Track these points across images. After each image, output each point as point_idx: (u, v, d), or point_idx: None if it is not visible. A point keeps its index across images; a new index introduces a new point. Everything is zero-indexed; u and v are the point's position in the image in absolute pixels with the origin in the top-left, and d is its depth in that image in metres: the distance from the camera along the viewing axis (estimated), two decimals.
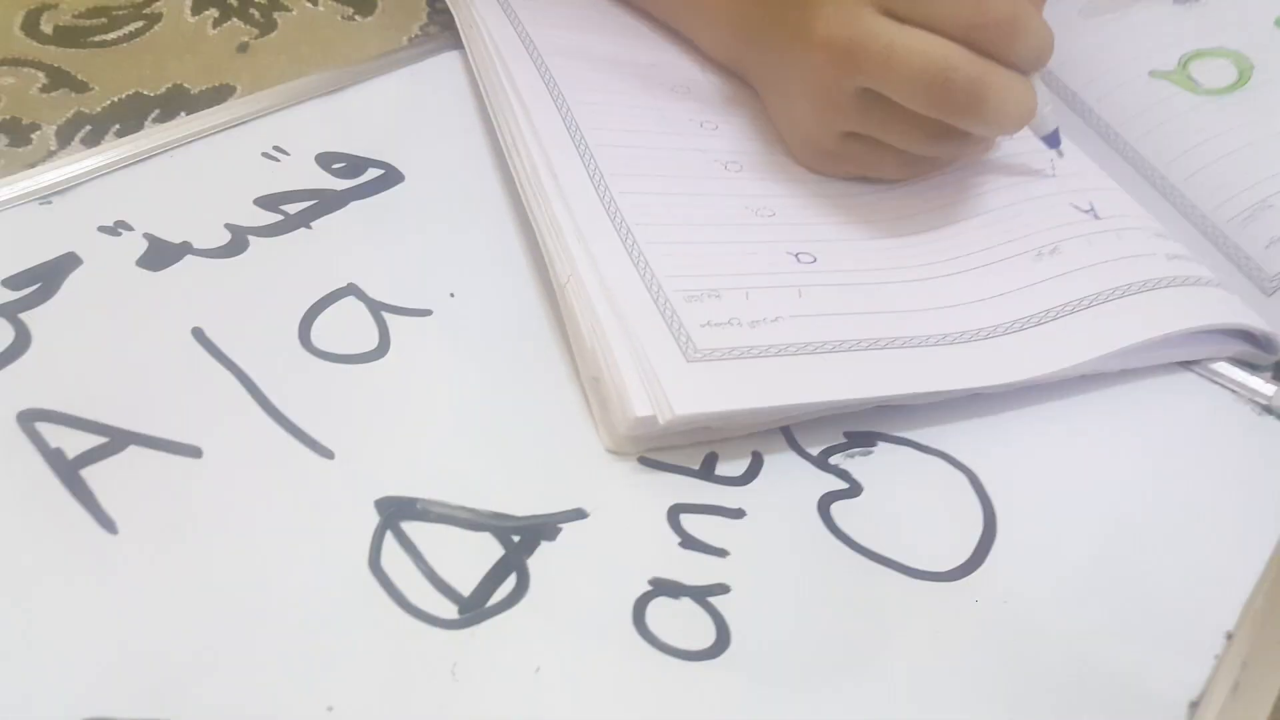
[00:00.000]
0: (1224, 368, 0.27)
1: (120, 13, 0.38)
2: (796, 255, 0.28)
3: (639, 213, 0.27)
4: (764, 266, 0.27)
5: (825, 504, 0.23)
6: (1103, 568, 0.22)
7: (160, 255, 0.27)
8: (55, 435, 0.22)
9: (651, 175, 0.29)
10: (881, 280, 0.27)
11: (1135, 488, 0.24)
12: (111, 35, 0.37)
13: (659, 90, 0.33)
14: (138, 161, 0.30)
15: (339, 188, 0.30)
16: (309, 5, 0.39)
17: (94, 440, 0.22)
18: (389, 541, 0.21)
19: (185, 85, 0.35)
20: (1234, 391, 0.27)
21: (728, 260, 0.27)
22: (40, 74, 0.35)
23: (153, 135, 0.31)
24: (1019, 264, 0.28)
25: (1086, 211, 0.29)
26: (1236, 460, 0.25)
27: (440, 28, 0.39)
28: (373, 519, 0.22)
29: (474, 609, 0.20)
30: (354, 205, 0.29)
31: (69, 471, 0.22)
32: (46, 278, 0.25)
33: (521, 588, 0.21)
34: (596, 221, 0.27)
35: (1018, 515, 0.23)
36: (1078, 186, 0.30)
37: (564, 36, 0.35)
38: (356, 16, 0.39)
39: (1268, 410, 0.27)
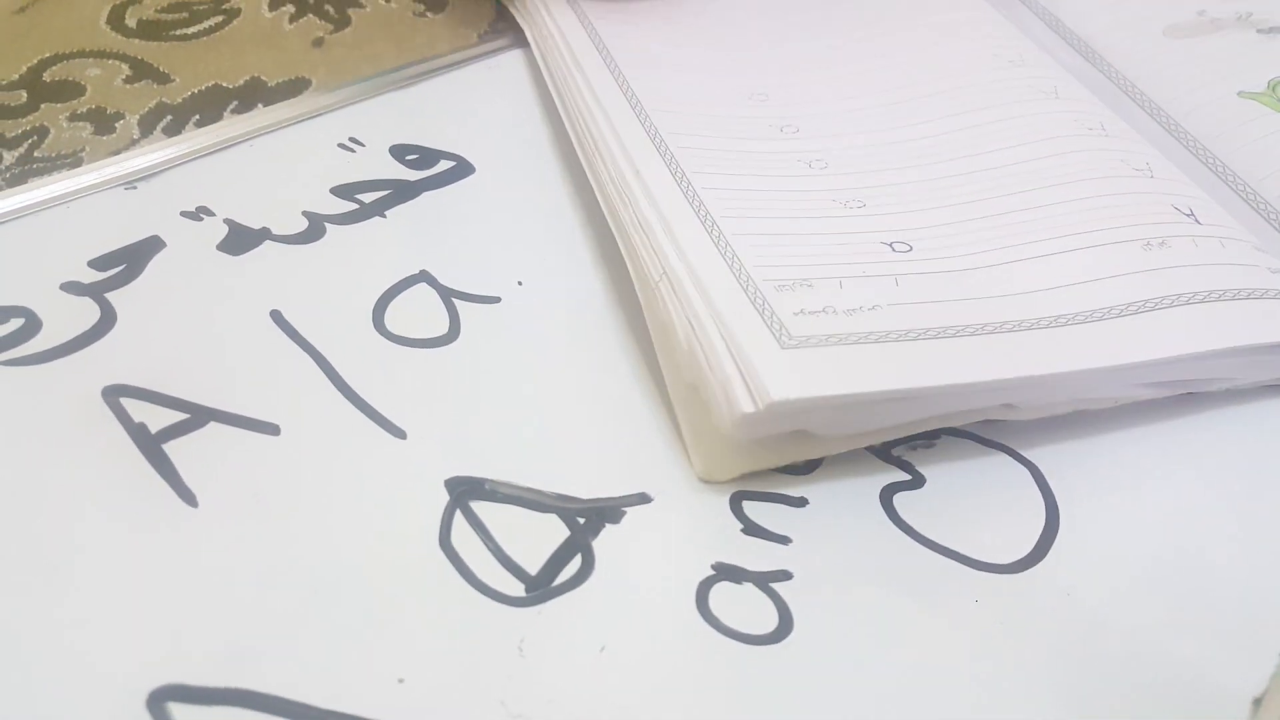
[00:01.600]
0: None
1: (201, 7, 0.39)
2: (891, 244, 0.27)
3: (724, 207, 0.27)
4: (857, 256, 0.26)
5: (888, 495, 0.23)
6: (1167, 562, 0.22)
7: (240, 240, 0.27)
8: (139, 411, 0.23)
9: (734, 174, 0.29)
10: (985, 264, 0.26)
11: (1203, 491, 0.24)
12: (192, 29, 0.38)
13: (736, 98, 0.33)
14: (219, 149, 0.31)
15: (412, 178, 0.30)
16: (382, 2, 0.40)
17: (176, 416, 0.23)
18: (458, 520, 0.22)
19: (262, 78, 0.36)
20: None
21: (818, 251, 0.26)
22: (125, 66, 0.36)
23: (233, 125, 0.32)
24: (1128, 250, 0.27)
25: (1188, 215, 0.28)
26: None
27: (510, 24, 0.39)
28: (443, 498, 0.22)
29: (541, 588, 0.21)
30: (426, 195, 0.30)
31: (152, 446, 0.22)
32: (131, 260, 0.26)
33: (587, 568, 0.21)
34: (684, 220, 0.27)
35: (1081, 510, 0.23)
36: (1176, 190, 0.30)
37: (639, 43, 0.35)
38: (428, 13, 0.40)
39: None
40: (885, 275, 0.26)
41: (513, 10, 0.38)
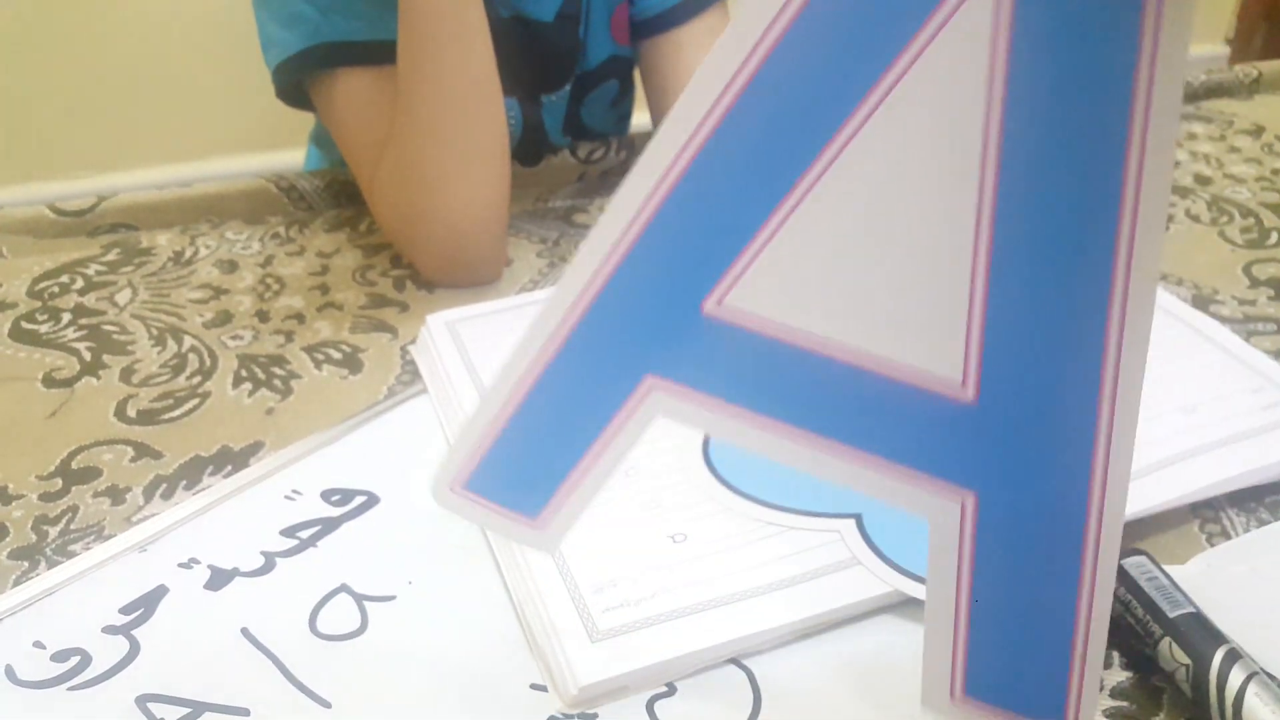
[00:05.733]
0: None
1: (181, 394, 0.53)
2: (672, 537, 0.41)
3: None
4: (647, 551, 0.39)
5: (651, 702, 0.36)
6: None
7: (218, 579, 0.40)
8: (160, 710, 0.35)
9: None
10: (726, 549, 0.40)
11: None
12: (176, 413, 0.52)
13: None
14: (202, 513, 0.44)
15: (335, 514, 0.44)
16: (316, 372, 0.55)
17: (183, 710, 0.35)
18: None
19: (230, 445, 0.50)
20: None
21: (622, 548, 0.39)
22: (129, 449, 0.50)
23: (211, 491, 0.45)
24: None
25: None
26: None
27: (412, 375, 0.54)
28: None
29: None
30: (345, 525, 0.43)
31: None
32: (147, 604, 0.39)
33: None
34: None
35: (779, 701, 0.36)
36: None
37: None
38: (350, 376, 0.54)
39: None
40: (664, 567, 0.39)
41: (420, 366, 0.53)
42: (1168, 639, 0.37)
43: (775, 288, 0.28)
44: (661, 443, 0.45)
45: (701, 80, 0.27)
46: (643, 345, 0.30)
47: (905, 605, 0.39)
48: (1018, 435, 0.27)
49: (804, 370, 0.29)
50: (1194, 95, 0.83)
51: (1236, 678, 0.35)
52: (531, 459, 0.33)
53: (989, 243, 0.26)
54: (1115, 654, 0.39)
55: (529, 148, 0.72)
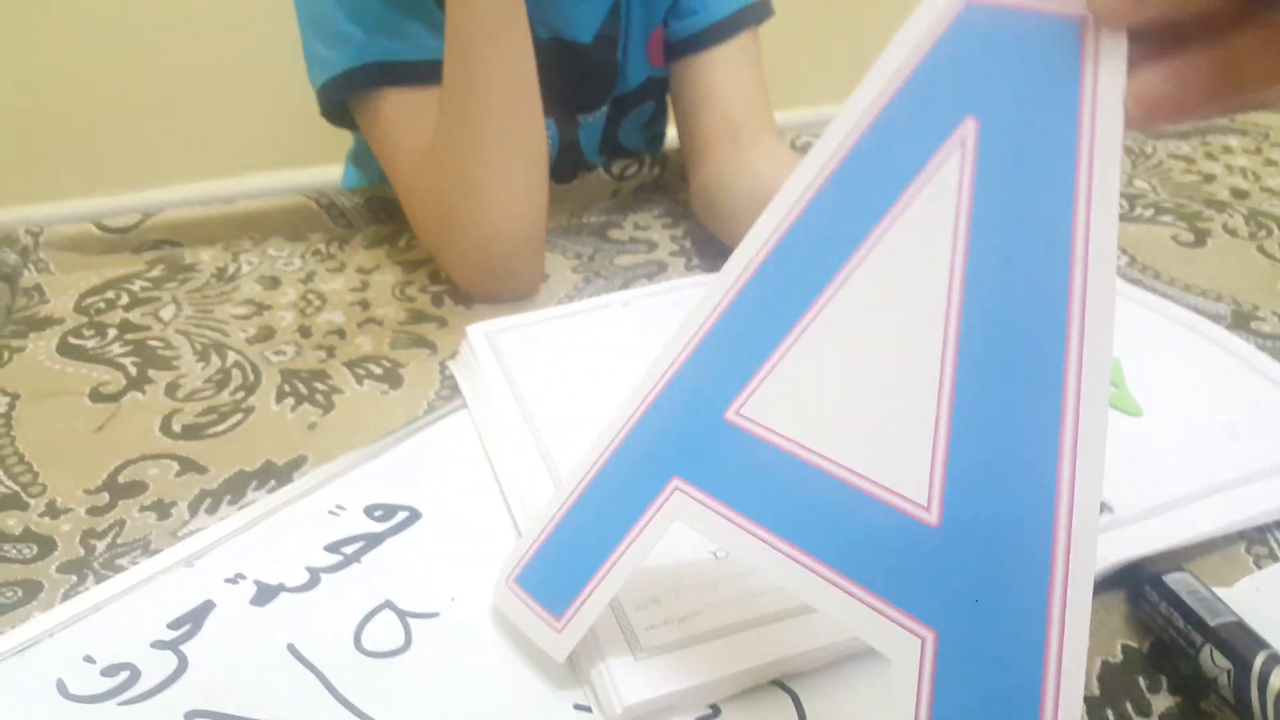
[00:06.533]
0: None
1: (225, 409, 0.54)
2: (715, 554, 0.41)
3: None
4: (690, 567, 0.39)
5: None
6: None
7: (264, 594, 0.41)
8: None
9: None
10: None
11: None
12: (221, 428, 0.53)
13: None
14: (248, 528, 0.44)
15: (379, 530, 0.44)
16: (358, 387, 0.55)
17: None
18: None
19: (273, 459, 0.50)
20: None
21: (665, 568, 0.39)
22: (175, 463, 0.50)
23: (256, 507, 0.46)
24: None
25: None
26: None
27: (451, 390, 0.54)
28: None
29: None
30: (389, 541, 0.44)
31: None
32: (194, 619, 0.40)
33: None
34: None
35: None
36: None
37: (554, 396, 0.50)
38: (390, 391, 0.55)
39: None
40: (707, 583, 0.39)
41: (459, 380, 0.53)
42: (1209, 646, 0.37)
43: (781, 402, 0.32)
44: None
45: (751, 235, 0.33)
46: (674, 447, 0.34)
47: None
48: (978, 559, 0.28)
49: (798, 479, 0.31)
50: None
51: (1278, 679, 0.34)
52: (570, 555, 0.36)
53: (953, 373, 0.29)
54: (1163, 678, 0.38)
55: (565, 166, 0.73)
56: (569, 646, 0.36)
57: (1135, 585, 0.41)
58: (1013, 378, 0.28)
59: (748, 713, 0.36)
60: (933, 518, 0.29)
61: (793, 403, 0.32)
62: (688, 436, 0.34)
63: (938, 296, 0.29)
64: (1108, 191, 0.27)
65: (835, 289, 0.31)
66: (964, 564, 0.28)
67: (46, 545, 0.46)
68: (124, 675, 0.38)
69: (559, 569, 0.36)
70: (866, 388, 0.31)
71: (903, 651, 0.29)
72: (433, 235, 0.62)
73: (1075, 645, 0.27)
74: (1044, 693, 0.27)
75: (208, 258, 0.67)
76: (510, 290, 0.62)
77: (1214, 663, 0.37)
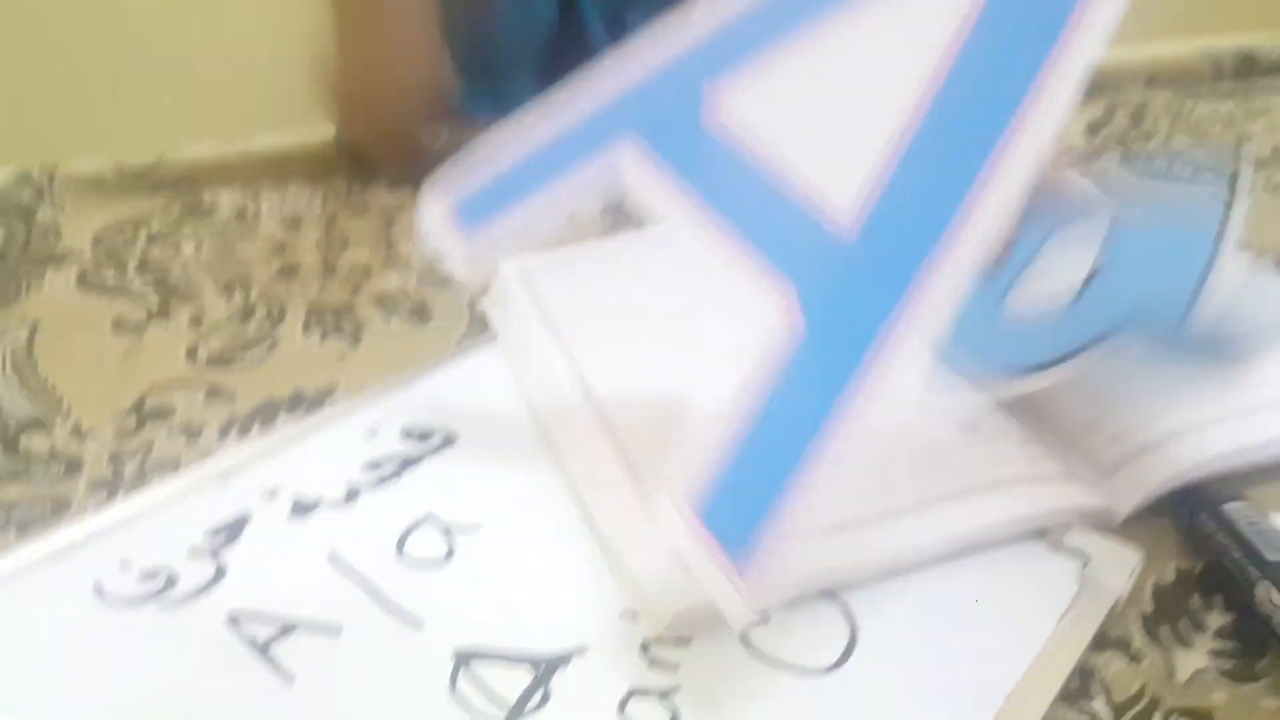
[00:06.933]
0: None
1: (251, 339, 0.53)
2: None
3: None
4: None
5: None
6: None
7: (302, 508, 0.40)
8: (251, 628, 0.35)
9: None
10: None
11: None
12: (247, 357, 0.52)
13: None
14: (283, 447, 0.44)
15: (416, 451, 0.43)
16: (385, 322, 0.54)
17: (274, 628, 0.35)
18: (462, 672, 0.33)
19: (303, 388, 0.49)
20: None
21: None
22: (202, 390, 0.49)
23: (291, 427, 0.45)
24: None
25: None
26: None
27: (481, 327, 0.53)
28: (450, 663, 0.34)
29: (517, 713, 0.32)
30: (427, 461, 0.43)
31: (261, 649, 0.34)
32: (231, 529, 0.39)
33: (545, 699, 0.33)
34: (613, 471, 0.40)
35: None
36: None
37: (591, 330, 0.49)
38: (420, 326, 0.54)
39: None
40: None
41: (490, 316, 0.52)
42: (1266, 583, 0.36)
43: (755, 95, 0.36)
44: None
45: None
46: (637, 109, 0.38)
47: (1013, 544, 0.38)
48: (880, 274, 0.32)
49: (748, 167, 0.35)
50: (1272, 68, 0.81)
51: None
52: (754, 489, 0.32)
53: (919, 123, 0.32)
54: (1219, 597, 0.38)
55: (567, 44, 0.70)
56: (752, 610, 0.31)
57: (1190, 512, 0.40)
58: (962, 144, 0.31)
59: (798, 622, 0.35)
60: (852, 237, 0.32)
61: (768, 97, 0.35)
62: (653, 100, 0.37)
63: (934, 49, 0.32)
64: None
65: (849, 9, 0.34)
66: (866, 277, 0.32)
67: (74, 465, 0.45)
68: (162, 579, 0.37)
69: (742, 505, 0.32)
70: (838, 107, 0.34)
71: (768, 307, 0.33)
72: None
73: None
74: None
75: (226, 199, 0.66)
76: (396, 146, 0.61)
77: (1269, 600, 0.36)
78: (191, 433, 0.46)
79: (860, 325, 0.31)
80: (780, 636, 0.35)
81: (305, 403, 0.48)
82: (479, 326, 0.53)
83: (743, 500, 0.31)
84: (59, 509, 0.42)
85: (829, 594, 0.36)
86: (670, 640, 0.34)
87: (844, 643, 0.35)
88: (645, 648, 0.34)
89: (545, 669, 0.34)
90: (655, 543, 0.36)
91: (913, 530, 0.37)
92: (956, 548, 0.37)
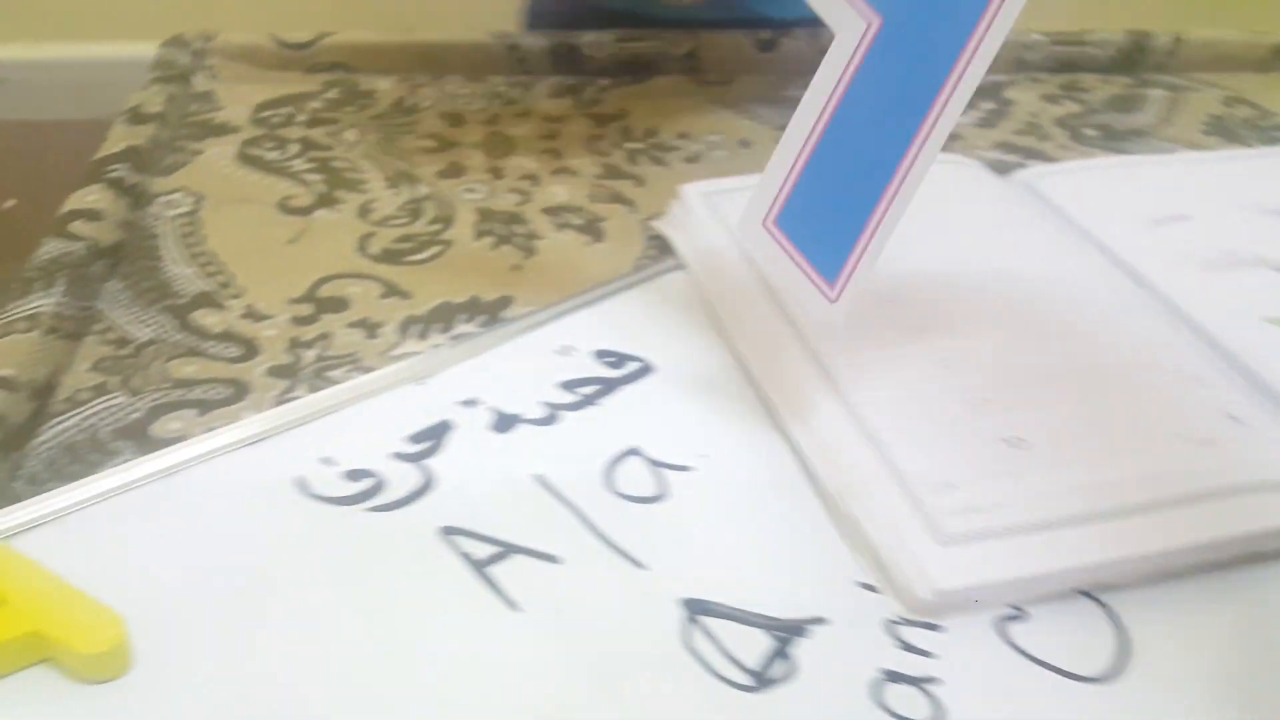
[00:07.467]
0: None
1: (422, 239, 0.51)
2: (1007, 440, 0.36)
3: (880, 419, 0.37)
4: (983, 456, 0.35)
5: (1001, 625, 0.32)
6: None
7: (503, 422, 0.38)
8: (466, 544, 0.33)
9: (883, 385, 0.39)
10: (1085, 459, 0.35)
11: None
12: (419, 256, 0.49)
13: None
14: (474, 355, 0.41)
15: (613, 376, 0.41)
16: (558, 235, 0.52)
17: (492, 549, 0.33)
18: (693, 624, 0.31)
19: (479, 296, 0.47)
20: None
21: (957, 453, 0.35)
22: (377, 285, 0.47)
23: (478, 336, 0.43)
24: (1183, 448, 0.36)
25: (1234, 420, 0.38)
26: None
27: (659, 252, 0.51)
28: (679, 612, 0.32)
29: (761, 680, 0.30)
30: (624, 389, 0.41)
31: (479, 569, 0.32)
32: (434, 437, 0.37)
33: (792, 671, 0.30)
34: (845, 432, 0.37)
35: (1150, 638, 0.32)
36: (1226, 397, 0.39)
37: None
38: (594, 243, 0.51)
39: None
40: (1005, 474, 0.35)
41: (673, 241, 0.49)
42: None
43: None
44: (984, 332, 0.42)
45: None
46: None
47: None
48: None
49: None
50: None
51: None
52: (832, 201, 0.36)
53: None
54: None
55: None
56: (842, 315, 0.35)
57: None
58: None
59: (1060, 623, 0.32)
60: None
61: None
62: None
63: None
64: None
65: None
66: None
67: (251, 347, 0.43)
68: (369, 482, 0.35)
69: (823, 215, 0.35)
70: None
71: (848, 30, 0.34)
72: None
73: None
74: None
75: (385, 87, 0.63)
76: None
77: None
78: (370, 329, 0.44)
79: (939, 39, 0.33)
80: (1041, 636, 0.32)
81: (483, 310, 0.46)
82: (657, 249, 0.51)
83: (824, 216, 0.36)
84: (240, 392, 0.40)
85: (1088, 594, 0.33)
86: (920, 624, 0.32)
87: (1112, 650, 0.32)
88: (891, 628, 0.32)
89: (784, 637, 0.31)
90: (897, 514, 0.34)
91: (1183, 527, 0.34)
92: (1233, 553, 0.34)
